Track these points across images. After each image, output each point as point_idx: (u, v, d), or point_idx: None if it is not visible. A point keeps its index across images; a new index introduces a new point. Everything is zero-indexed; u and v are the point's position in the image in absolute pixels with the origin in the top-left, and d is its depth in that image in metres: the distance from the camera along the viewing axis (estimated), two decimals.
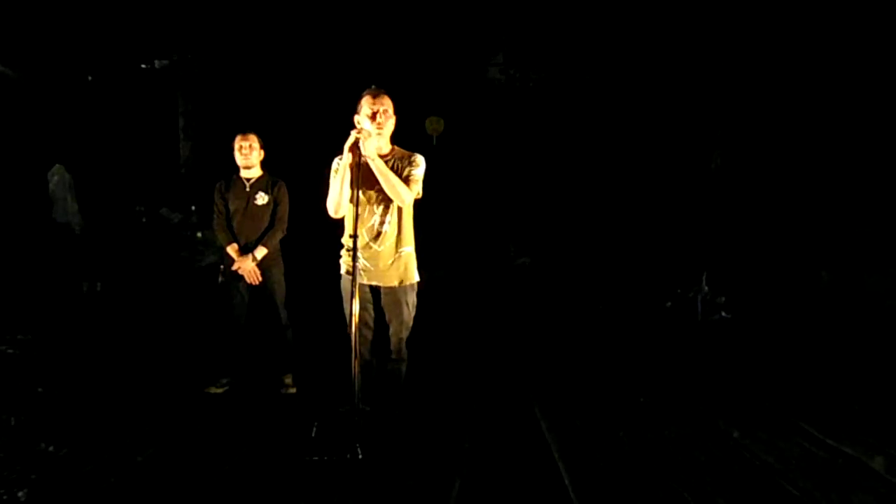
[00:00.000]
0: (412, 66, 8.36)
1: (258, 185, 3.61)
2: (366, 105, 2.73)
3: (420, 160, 2.80)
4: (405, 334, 2.95)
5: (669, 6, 7.64)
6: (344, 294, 2.92)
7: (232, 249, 3.57)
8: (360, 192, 2.64)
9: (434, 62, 8.64)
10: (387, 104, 2.75)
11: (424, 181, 2.82)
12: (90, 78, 8.51)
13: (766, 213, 7.64)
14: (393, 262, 2.84)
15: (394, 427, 2.99)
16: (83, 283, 6.21)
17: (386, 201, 2.78)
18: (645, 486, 2.60)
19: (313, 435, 2.89)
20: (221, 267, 3.66)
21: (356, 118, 2.74)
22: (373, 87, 2.78)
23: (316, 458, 2.69)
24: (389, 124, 2.76)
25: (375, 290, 2.90)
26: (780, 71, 7.64)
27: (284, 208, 3.65)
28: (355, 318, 2.65)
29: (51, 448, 2.79)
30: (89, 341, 4.67)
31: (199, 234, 7.04)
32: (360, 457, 2.64)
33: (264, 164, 3.68)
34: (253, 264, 3.53)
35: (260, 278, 3.56)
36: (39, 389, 3.57)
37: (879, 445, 3.00)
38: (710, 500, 2.48)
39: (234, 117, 6.63)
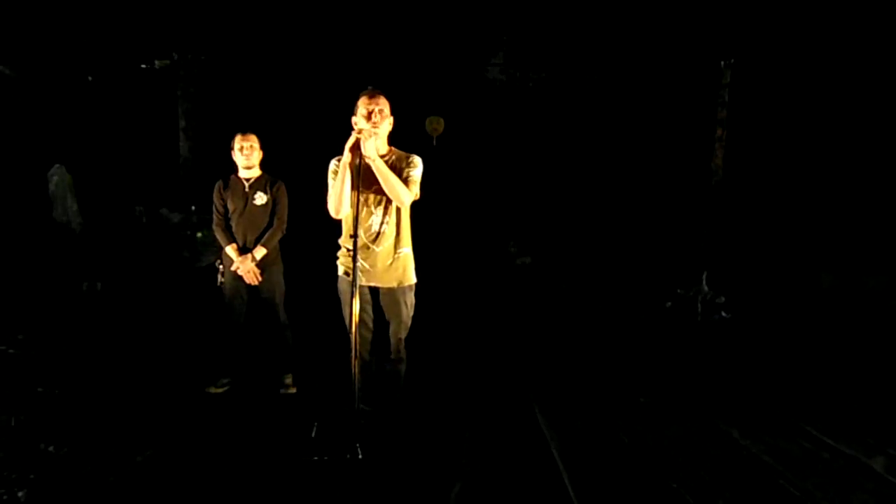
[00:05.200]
0: (412, 66, 8.36)
1: (257, 185, 3.61)
2: (362, 106, 2.73)
3: (418, 161, 2.81)
4: (404, 334, 2.95)
5: (670, 7, 7.63)
6: (341, 295, 2.93)
7: (231, 249, 3.57)
8: (359, 193, 2.64)
9: (434, 62, 8.63)
10: (382, 104, 2.74)
11: (424, 181, 2.82)
12: (90, 78, 8.51)
13: (766, 213, 7.64)
14: (391, 263, 2.84)
15: (394, 427, 2.99)
16: (83, 283, 6.20)
17: (385, 202, 2.78)
18: (645, 486, 2.60)
19: (313, 435, 2.89)
20: (220, 267, 3.65)
21: (353, 119, 2.75)
22: (369, 88, 2.78)
23: (316, 458, 2.69)
24: (385, 124, 2.76)
25: (374, 291, 2.90)
26: (780, 72, 7.65)
27: (283, 208, 3.65)
28: (355, 319, 2.65)
29: (51, 448, 2.79)
30: (89, 341, 4.67)
31: (199, 235, 7.04)
32: (360, 457, 2.64)
33: (263, 164, 3.68)
34: (252, 264, 3.53)
35: (259, 278, 3.56)
36: (39, 389, 3.57)
37: (879, 445, 3.00)
38: (710, 500, 2.48)
39: (234, 117, 6.63)
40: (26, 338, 4.54)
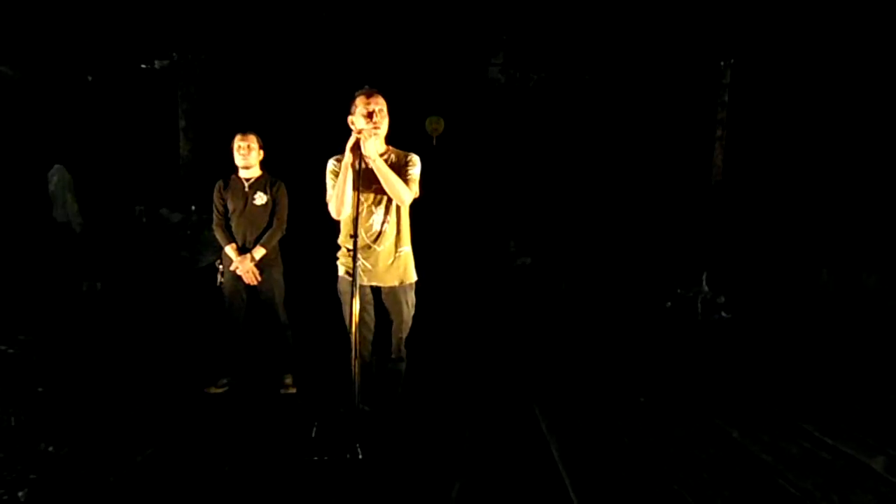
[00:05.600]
0: (412, 66, 8.36)
1: (257, 185, 3.60)
2: (360, 105, 2.72)
3: (416, 160, 2.81)
4: (405, 333, 2.96)
5: (670, 7, 7.64)
6: (342, 295, 2.93)
7: (231, 249, 3.56)
8: (360, 193, 2.64)
9: (434, 62, 8.63)
10: (381, 103, 2.74)
11: (424, 181, 2.83)
12: (90, 78, 8.51)
13: (765, 213, 7.64)
14: (392, 262, 2.85)
15: (394, 427, 2.99)
16: (83, 283, 6.21)
17: (385, 201, 2.78)
18: (645, 486, 2.60)
19: (313, 435, 2.89)
20: (220, 267, 3.65)
21: (350, 119, 2.74)
22: (366, 87, 2.78)
23: (316, 458, 2.69)
24: (385, 123, 2.76)
25: (375, 291, 2.90)
26: (780, 72, 7.65)
27: (283, 208, 3.64)
28: (355, 319, 2.65)
29: (51, 448, 2.79)
30: (89, 341, 4.67)
31: (206, 232, 7.05)
32: (360, 457, 2.64)
33: (264, 164, 3.68)
34: (251, 264, 3.52)
35: (258, 278, 3.55)
36: (39, 389, 3.57)
37: (879, 445, 3.00)
38: (710, 500, 2.48)
39: (234, 117, 6.63)
40: (26, 338, 4.54)
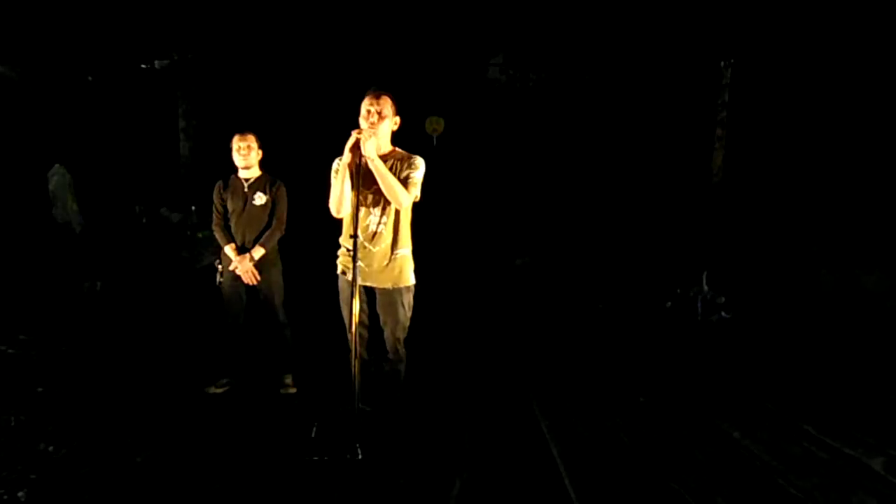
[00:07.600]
0: (412, 66, 8.36)
1: (256, 185, 3.60)
2: (363, 105, 2.74)
3: (420, 163, 2.79)
4: (401, 335, 2.94)
5: (670, 7, 7.64)
6: (340, 294, 2.93)
7: (230, 249, 3.56)
8: (359, 193, 2.65)
9: (434, 62, 8.64)
10: (381, 105, 2.73)
11: (425, 182, 2.82)
12: (90, 78, 8.51)
13: (766, 212, 7.64)
14: (387, 264, 2.83)
15: (394, 427, 2.99)
16: (83, 283, 6.20)
17: (383, 202, 2.78)
18: (645, 486, 2.60)
19: (313, 435, 2.89)
20: (219, 267, 3.65)
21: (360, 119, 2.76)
22: (373, 87, 2.78)
23: (316, 458, 2.69)
24: (385, 124, 2.75)
25: (371, 291, 2.89)
26: (781, 72, 7.65)
27: (283, 208, 3.64)
28: (355, 319, 2.65)
29: (51, 448, 2.80)
30: (89, 341, 4.67)
31: (200, 235, 7.05)
32: (360, 457, 2.64)
33: (264, 164, 3.68)
34: (250, 264, 3.52)
35: (258, 278, 3.55)
36: (39, 389, 3.57)
37: (879, 445, 3.00)
38: (710, 500, 2.48)
39: (234, 117, 6.63)
40: (26, 338, 4.54)
